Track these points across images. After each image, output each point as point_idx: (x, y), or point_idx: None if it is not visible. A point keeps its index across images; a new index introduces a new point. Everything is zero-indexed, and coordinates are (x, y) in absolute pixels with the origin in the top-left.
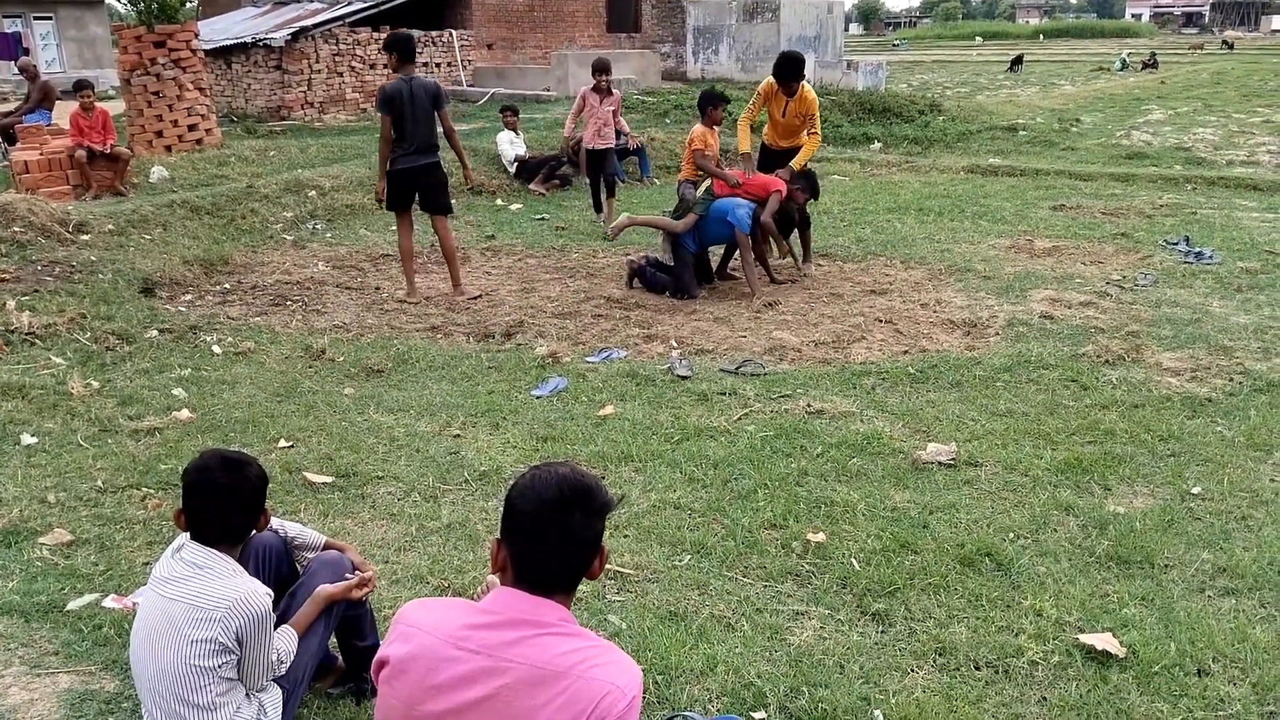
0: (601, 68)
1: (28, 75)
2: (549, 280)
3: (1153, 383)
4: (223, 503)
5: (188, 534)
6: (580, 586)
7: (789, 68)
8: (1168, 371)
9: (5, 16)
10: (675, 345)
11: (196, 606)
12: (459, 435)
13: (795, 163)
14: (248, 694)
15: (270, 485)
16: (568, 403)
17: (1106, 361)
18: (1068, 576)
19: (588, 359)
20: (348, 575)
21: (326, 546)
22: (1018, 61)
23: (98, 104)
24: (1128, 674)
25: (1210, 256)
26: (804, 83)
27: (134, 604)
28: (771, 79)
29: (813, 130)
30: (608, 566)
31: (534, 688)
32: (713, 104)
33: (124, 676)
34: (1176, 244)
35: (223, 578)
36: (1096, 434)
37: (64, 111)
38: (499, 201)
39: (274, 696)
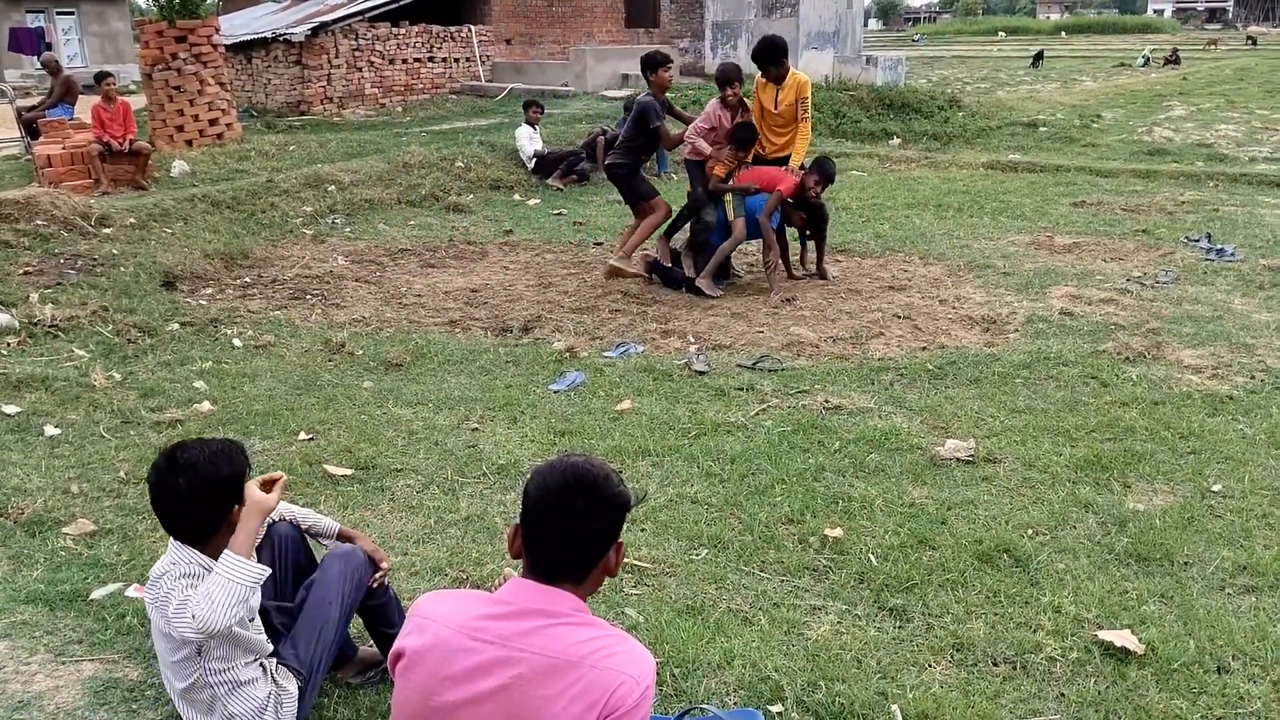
0: (736, 76)
1: (50, 70)
2: (566, 275)
3: (1173, 380)
4: (169, 506)
5: None
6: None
7: (768, 54)
8: (1188, 369)
9: (29, 11)
10: (693, 340)
11: (159, 612)
12: (477, 429)
13: (793, 163)
14: (264, 674)
15: (291, 477)
16: (585, 397)
17: (1127, 358)
18: (1086, 573)
19: (605, 354)
20: (366, 574)
21: (340, 535)
22: (1039, 58)
23: (119, 96)
24: (1146, 671)
25: (1232, 254)
26: (792, 68)
27: None
28: (758, 74)
29: (804, 115)
30: (625, 560)
31: (548, 677)
32: (745, 143)
33: (146, 665)
34: (1198, 241)
35: (183, 581)
36: (1116, 431)
37: (86, 106)
38: (516, 196)
39: (290, 688)
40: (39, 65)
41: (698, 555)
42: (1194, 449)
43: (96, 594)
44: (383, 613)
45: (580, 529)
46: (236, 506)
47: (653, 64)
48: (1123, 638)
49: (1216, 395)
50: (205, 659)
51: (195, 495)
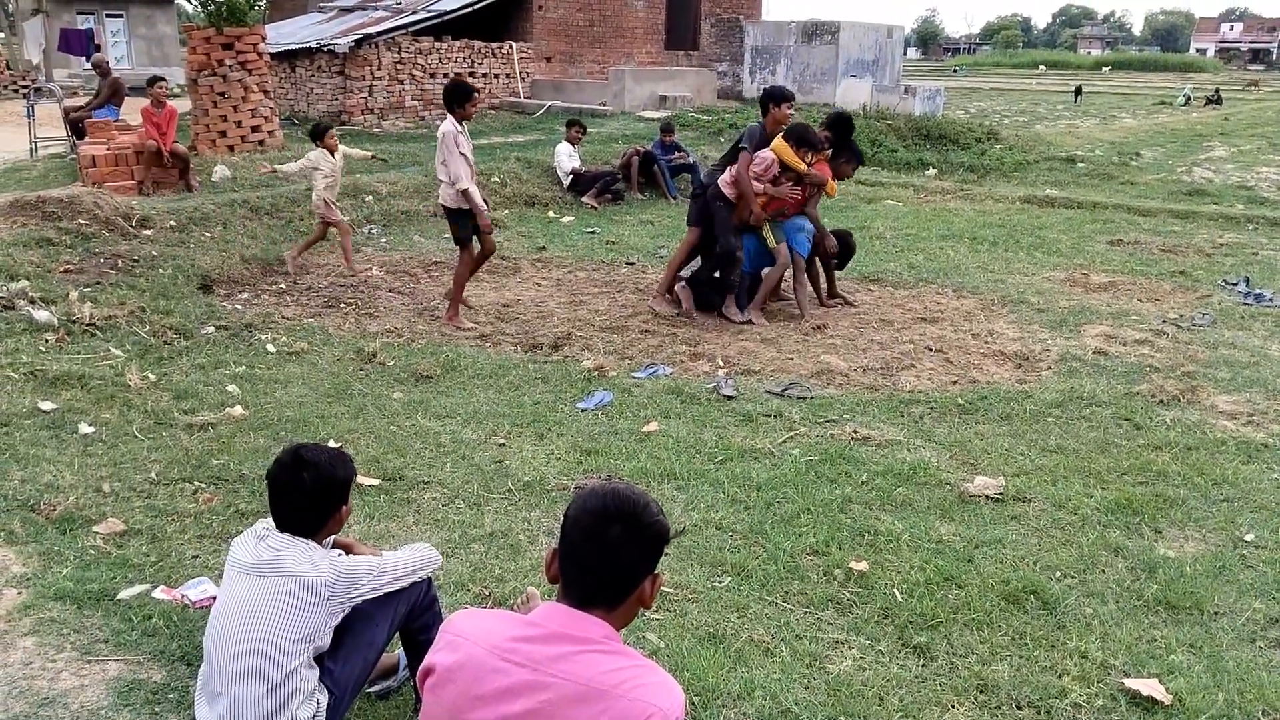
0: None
1: (100, 71)
2: (597, 294)
3: (1207, 425)
4: (289, 499)
5: (272, 522)
6: None
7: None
8: (1223, 414)
9: (78, 14)
10: (721, 364)
11: (301, 574)
12: (504, 444)
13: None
14: (313, 693)
15: None
16: (612, 417)
17: (1161, 401)
18: (1114, 619)
19: (633, 374)
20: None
21: (335, 545)
22: (1079, 93)
23: (168, 102)
24: None
25: (1271, 298)
26: None
27: (183, 595)
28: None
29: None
30: None
31: (577, 704)
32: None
33: (171, 667)
34: (1236, 284)
35: (311, 550)
36: (1148, 475)
37: (132, 107)
38: (551, 213)
39: (323, 700)
40: (87, 66)
41: (721, 583)
42: (1227, 496)
43: (124, 594)
44: (426, 630)
45: (616, 556)
46: (344, 507)
47: (768, 97)
48: (1149, 686)
49: (1251, 442)
50: (312, 642)
51: (316, 491)
